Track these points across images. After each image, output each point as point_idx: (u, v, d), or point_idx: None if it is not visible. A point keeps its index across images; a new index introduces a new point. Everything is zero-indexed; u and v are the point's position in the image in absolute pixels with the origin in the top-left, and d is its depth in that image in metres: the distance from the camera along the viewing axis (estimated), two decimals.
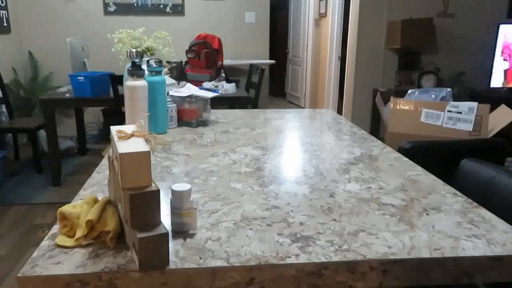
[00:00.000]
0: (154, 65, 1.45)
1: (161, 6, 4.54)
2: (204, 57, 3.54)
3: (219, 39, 3.64)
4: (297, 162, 1.21)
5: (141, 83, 1.32)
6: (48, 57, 4.48)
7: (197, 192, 0.98)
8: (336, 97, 5.52)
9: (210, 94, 1.59)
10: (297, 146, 1.37)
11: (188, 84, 1.71)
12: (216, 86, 3.36)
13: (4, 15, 4.03)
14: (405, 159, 1.25)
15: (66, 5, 4.41)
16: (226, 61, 4.53)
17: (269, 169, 1.14)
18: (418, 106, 1.82)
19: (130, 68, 1.30)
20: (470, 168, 1.25)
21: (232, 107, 3.41)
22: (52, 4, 4.39)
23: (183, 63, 3.67)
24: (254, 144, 1.39)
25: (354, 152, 1.31)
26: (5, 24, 4.05)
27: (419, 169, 1.16)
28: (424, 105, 1.81)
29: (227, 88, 3.38)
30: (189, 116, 1.61)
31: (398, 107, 1.85)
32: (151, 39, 3.50)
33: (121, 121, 2.72)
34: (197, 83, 3.41)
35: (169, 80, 1.73)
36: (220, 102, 3.35)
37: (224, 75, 3.50)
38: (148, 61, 1.45)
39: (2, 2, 4.01)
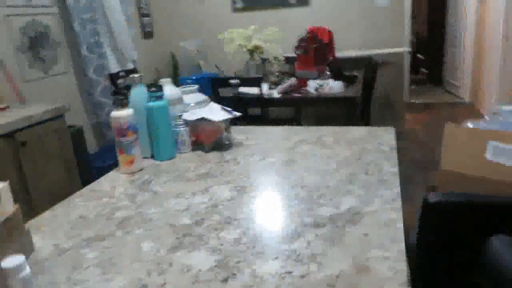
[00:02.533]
0: (157, 90, 1.39)
1: None
2: (313, 53, 3.32)
3: (329, 32, 3.36)
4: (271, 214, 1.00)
5: (125, 112, 1.29)
6: (185, 58, 4.87)
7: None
8: (503, 88, 4.51)
9: (221, 117, 1.46)
10: (289, 191, 1.14)
11: (212, 104, 1.60)
12: (321, 85, 3.12)
13: (147, 22, 4.54)
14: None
15: (198, 7, 4.70)
16: (350, 52, 4.17)
17: (212, 223, 0.98)
18: (486, 136, 1.27)
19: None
20: (500, 250, 0.83)
21: (335, 107, 3.13)
22: (185, 7, 4.73)
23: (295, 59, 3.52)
24: (233, 182, 1.21)
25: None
26: (148, 29, 4.56)
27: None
28: (492, 135, 1.24)
29: (333, 86, 3.11)
30: (205, 139, 1.51)
31: (458, 136, 1.32)
32: (259, 37, 3.46)
33: None
34: (304, 81, 3.23)
35: (198, 97, 1.65)
36: (323, 102, 3.12)
37: (329, 72, 3.22)
38: (149, 86, 1.41)
39: (146, 10, 4.51)
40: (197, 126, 1.50)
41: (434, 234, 1.07)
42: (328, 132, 1.61)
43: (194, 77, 3.30)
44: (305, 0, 4.43)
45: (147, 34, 4.60)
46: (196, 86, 1.67)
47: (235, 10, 4.61)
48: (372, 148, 1.40)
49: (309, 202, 1.05)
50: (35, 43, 3.16)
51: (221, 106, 1.57)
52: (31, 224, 1.05)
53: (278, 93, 3.15)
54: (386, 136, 1.51)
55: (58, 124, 2.59)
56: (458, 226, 1.05)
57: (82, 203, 1.16)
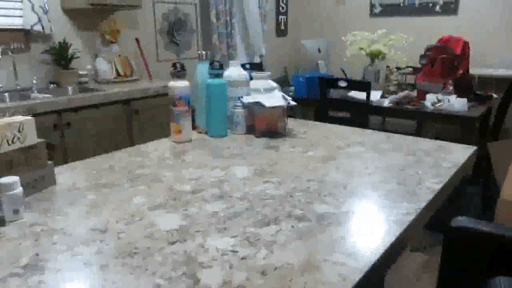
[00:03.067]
0: (216, 67, 1.45)
1: (430, 4, 4.08)
2: (440, 64, 3.00)
3: (465, 43, 3.00)
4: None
5: (178, 83, 1.37)
6: (305, 57, 4.86)
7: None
8: None
9: (273, 103, 1.43)
10: (301, 183, 1.08)
11: (276, 91, 1.58)
12: (440, 100, 2.81)
13: (283, 20, 4.67)
14: None
15: (337, 9, 4.64)
16: (495, 70, 3.64)
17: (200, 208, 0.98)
18: None
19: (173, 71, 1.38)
20: None
21: (450, 127, 2.77)
22: (324, 8, 4.71)
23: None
24: (257, 165, 1.19)
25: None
26: (282, 28, 4.70)
27: None
28: None
29: (454, 103, 2.77)
30: (257, 124, 1.51)
31: None
32: (384, 43, 3.27)
33: None
34: (422, 93, 2.95)
35: (268, 84, 1.65)
36: (437, 119, 2.80)
37: (452, 87, 2.86)
38: (211, 63, 1.46)
39: (283, 9, 4.65)
40: (253, 109, 1.51)
41: (451, 259, 0.88)
42: (394, 140, 1.45)
43: (308, 75, 3.28)
44: (452, 8, 4.02)
45: (281, 32, 4.74)
46: (268, 73, 1.68)
47: (373, 15, 4.43)
48: (428, 161, 1.22)
49: (310, 196, 0.98)
50: (173, 28, 3.54)
51: (283, 94, 1.54)
52: (71, 165, 1.21)
53: (389, 102, 2.93)
54: (457, 154, 1.30)
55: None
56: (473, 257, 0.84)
57: (121, 157, 1.28)
